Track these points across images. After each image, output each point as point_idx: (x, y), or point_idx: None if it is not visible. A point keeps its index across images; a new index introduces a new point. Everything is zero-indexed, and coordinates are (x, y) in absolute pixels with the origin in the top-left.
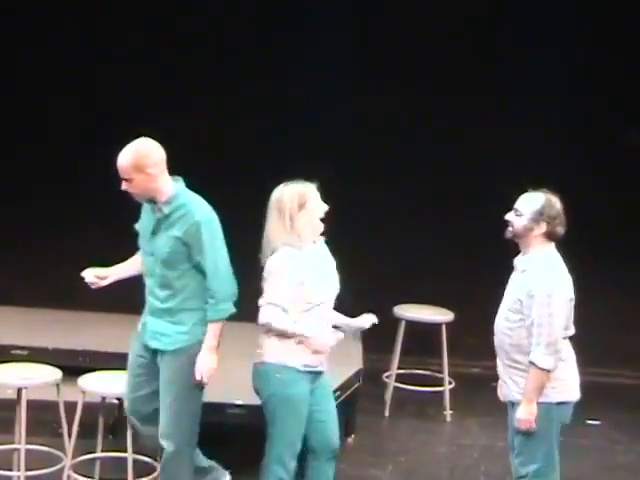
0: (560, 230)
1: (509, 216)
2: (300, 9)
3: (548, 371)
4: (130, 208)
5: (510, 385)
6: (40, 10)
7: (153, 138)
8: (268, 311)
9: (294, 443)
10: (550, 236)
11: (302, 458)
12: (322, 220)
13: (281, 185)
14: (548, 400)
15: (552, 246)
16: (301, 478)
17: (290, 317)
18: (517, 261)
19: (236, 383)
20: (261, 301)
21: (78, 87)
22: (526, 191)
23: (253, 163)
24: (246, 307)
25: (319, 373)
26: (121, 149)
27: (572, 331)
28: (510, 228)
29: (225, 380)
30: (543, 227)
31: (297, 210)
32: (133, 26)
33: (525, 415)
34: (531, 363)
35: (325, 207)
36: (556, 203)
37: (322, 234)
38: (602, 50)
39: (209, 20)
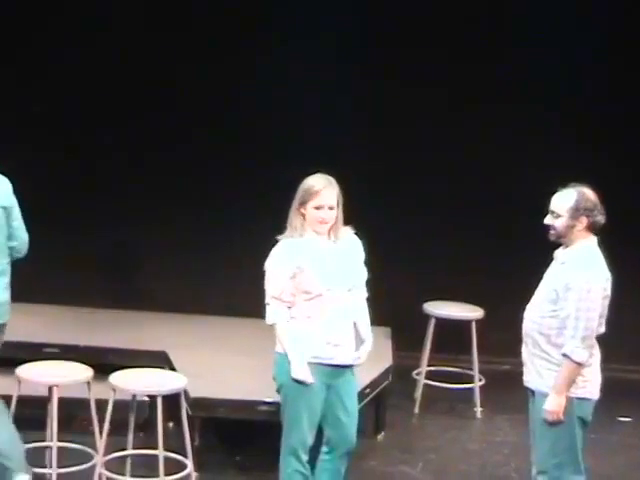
0: (600, 219)
1: (548, 220)
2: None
3: (581, 364)
4: (160, 208)
5: (533, 374)
6: None
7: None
8: (271, 310)
9: (306, 435)
10: (592, 228)
11: (317, 450)
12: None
13: (311, 175)
14: (568, 394)
15: (594, 240)
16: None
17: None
18: (557, 253)
19: (266, 381)
20: (266, 299)
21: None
22: (557, 190)
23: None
24: None
25: (340, 367)
26: None
27: (603, 329)
28: (552, 231)
29: (255, 378)
30: (584, 221)
31: (299, 205)
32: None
33: (554, 407)
34: (565, 355)
35: (324, 215)
36: (590, 194)
37: (348, 224)
38: (626, 45)
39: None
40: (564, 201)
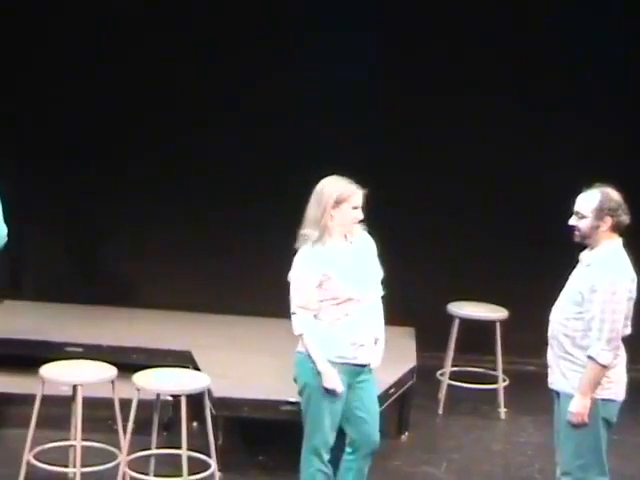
0: (625, 219)
1: (573, 221)
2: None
3: (606, 367)
4: (182, 205)
5: (558, 376)
6: None
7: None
8: (298, 320)
9: (328, 434)
10: (617, 228)
11: (341, 450)
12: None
13: (329, 177)
14: (594, 395)
15: (619, 242)
16: (337, 469)
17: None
18: (583, 255)
19: (289, 380)
20: (291, 308)
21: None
22: (580, 191)
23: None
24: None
25: (360, 367)
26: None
27: (629, 330)
28: (577, 232)
29: (278, 377)
30: (608, 221)
31: (332, 208)
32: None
33: (578, 408)
34: (590, 358)
35: (360, 216)
36: (613, 194)
37: (361, 222)
38: None
39: (211, 19)
40: (588, 202)
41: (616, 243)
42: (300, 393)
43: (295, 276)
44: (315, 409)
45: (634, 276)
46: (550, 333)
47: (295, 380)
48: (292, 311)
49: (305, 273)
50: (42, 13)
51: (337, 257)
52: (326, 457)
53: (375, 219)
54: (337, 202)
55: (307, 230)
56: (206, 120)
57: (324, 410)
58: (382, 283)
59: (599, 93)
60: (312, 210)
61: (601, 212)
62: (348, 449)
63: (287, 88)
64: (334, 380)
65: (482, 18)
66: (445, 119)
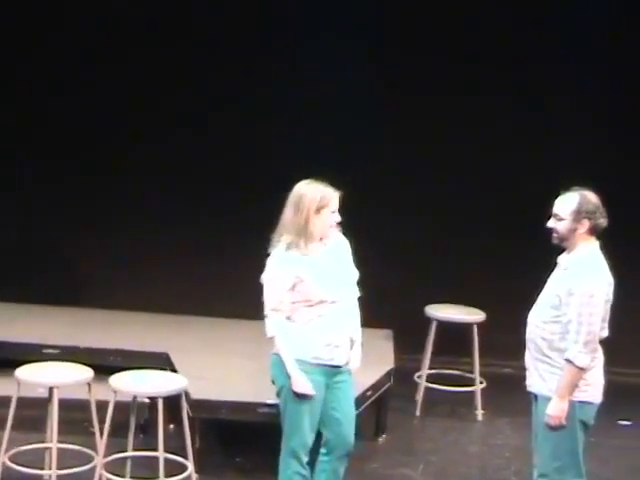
0: (603, 222)
1: (551, 223)
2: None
3: (583, 369)
4: (161, 207)
5: (536, 378)
6: None
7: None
8: (270, 323)
9: (306, 436)
10: (594, 231)
11: (317, 451)
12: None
13: (305, 182)
14: (571, 398)
15: (596, 245)
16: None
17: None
18: (561, 259)
19: (267, 383)
20: (264, 311)
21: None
22: (559, 194)
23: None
24: None
25: (336, 367)
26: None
27: (606, 333)
28: (555, 234)
29: (256, 380)
30: (586, 224)
31: (313, 214)
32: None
33: (556, 411)
34: (567, 360)
35: (338, 218)
36: (591, 197)
37: (339, 224)
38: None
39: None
40: (566, 204)
41: (593, 246)
42: (278, 395)
43: (267, 278)
44: (293, 411)
45: (611, 279)
46: (528, 336)
47: (273, 382)
48: (265, 313)
49: (278, 276)
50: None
51: (311, 259)
52: (305, 459)
53: (354, 221)
54: (318, 209)
55: (285, 236)
56: (190, 121)
57: (303, 412)
58: (359, 284)
59: (583, 97)
60: (291, 216)
61: (579, 215)
62: (323, 450)
63: (271, 89)
64: (302, 384)
65: (458, 19)
66: (428, 121)
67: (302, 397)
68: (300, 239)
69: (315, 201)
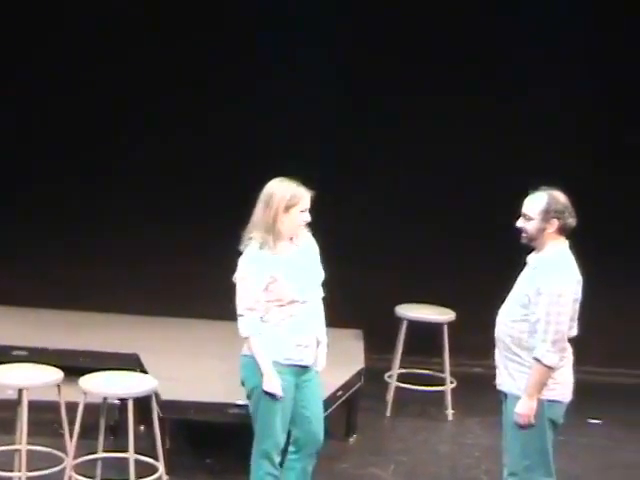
0: (571, 222)
1: (520, 223)
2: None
3: (552, 368)
4: (130, 208)
5: (506, 377)
6: None
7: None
8: (245, 322)
9: (279, 437)
10: (563, 230)
11: (285, 450)
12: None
13: (277, 180)
14: (540, 396)
15: (565, 244)
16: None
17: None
18: (530, 258)
19: (237, 383)
20: (237, 310)
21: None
22: (528, 194)
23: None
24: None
25: (305, 367)
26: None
27: (575, 331)
28: (524, 234)
29: (226, 380)
30: (555, 224)
31: (282, 212)
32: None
33: (525, 410)
34: (535, 359)
35: (308, 218)
36: (560, 197)
37: (308, 224)
38: (604, 49)
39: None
40: (535, 204)
41: (562, 245)
42: (249, 396)
43: (242, 278)
44: (265, 412)
45: (579, 278)
46: (497, 335)
47: (242, 383)
48: (239, 313)
49: (252, 275)
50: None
51: (283, 259)
52: (277, 460)
53: (323, 221)
54: (287, 207)
55: (255, 234)
56: (160, 122)
57: (275, 412)
58: (325, 284)
59: (550, 97)
60: (261, 214)
61: (547, 214)
62: (292, 448)
63: (239, 88)
64: (275, 385)
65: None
66: (395, 120)
67: (273, 397)
68: (269, 237)
69: (284, 200)
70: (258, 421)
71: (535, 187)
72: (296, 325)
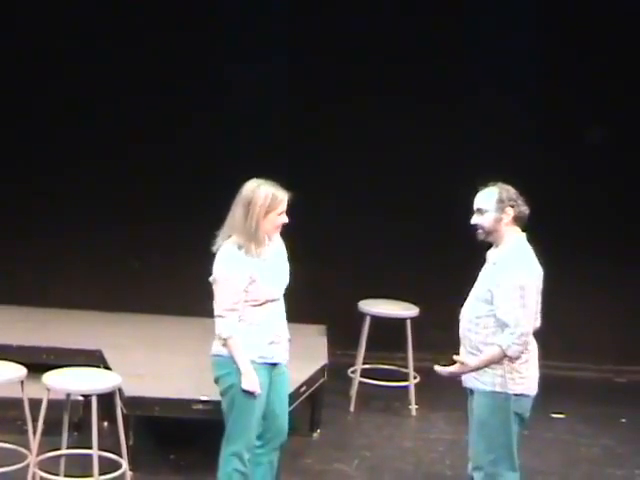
0: (525, 210)
1: (475, 219)
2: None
3: (511, 360)
4: (96, 206)
5: (471, 373)
6: None
7: None
8: (225, 323)
9: (252, 435)
10: (518, 218)
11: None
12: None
13: (255, 182)
14: (506, 391)
15: (523, 236)
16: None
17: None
18: (489, 254)
19: (201, 379)
20: (216, 310)
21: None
22: (478, 190)
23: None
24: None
25: (276, 364)
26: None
27: (539, 322)
28: (480, 230)
29: (190, 376)
30: (510, 212)
31: (262, 215)
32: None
33: (456, 371)
34: (499, 346)
35: (286, 220)
36: (509, 188)
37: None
38: (568, 48)
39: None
40: (488, 197)
41: (520, 238)
42: (222, 394)
43: (224, 278)
44: (242, 410)
45: (540, 269)
46: (461, 332)
47: (216, 381)
48: (219, 314)
49: (234, 275)
50: None
51: (260, 260)
52: (247, 457)
53: (288, 217)
54: (267, 212)
55: (236, 237)
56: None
57: (252, 410)
58: (290, 279)
59: (502, 95)
60: (240, 216)
61: (502, 203)
62: (258, 443)
63: (207, 87)
64: (254, 383)
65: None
66: (363, 120)
67: (252, 395)
68: (251, 244)
69: (265, 206)
70: (232, 419)
71: (484, 183)
72: (269, 323)
